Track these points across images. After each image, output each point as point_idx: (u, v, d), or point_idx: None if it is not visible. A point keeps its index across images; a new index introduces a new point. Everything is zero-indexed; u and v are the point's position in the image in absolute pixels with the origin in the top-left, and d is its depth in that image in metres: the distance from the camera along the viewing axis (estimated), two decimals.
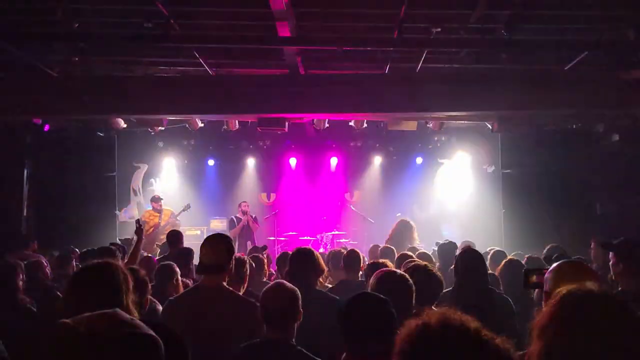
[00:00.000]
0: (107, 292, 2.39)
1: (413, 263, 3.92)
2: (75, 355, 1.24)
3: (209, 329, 3.24)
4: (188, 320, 3.27)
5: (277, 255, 6.62)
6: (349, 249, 5.54)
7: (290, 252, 4.44)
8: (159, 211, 11.12)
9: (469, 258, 4.13)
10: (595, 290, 1.68)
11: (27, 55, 7.74)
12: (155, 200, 11.36)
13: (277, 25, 6.65)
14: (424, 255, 5.80)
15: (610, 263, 3.83)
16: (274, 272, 6.49)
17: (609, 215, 9.70)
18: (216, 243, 3.55)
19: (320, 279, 4.48)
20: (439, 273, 3.70)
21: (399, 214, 11.36)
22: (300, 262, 4.02)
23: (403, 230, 7.87)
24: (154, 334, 1.33)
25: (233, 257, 3.57)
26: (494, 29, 7.04)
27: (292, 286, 3.11)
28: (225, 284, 3.49)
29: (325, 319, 2.92)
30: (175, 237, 6.99)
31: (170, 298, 3.71)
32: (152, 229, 10.65)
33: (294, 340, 2.98)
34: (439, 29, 7.03)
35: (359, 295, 2.65)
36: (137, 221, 6.36)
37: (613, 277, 3.77)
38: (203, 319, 3.30)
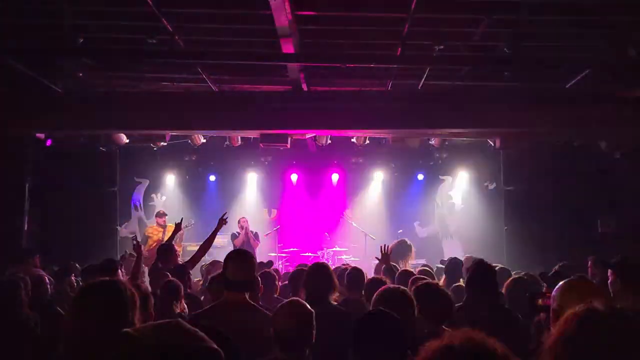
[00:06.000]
0: (115, 309, 2.35)
1: (424, 281, 3.88)
2: None
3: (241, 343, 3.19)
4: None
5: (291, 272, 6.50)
6: (351, 267, 5.48)
7: (308, 267, 4.43)
8: (163, 227, 11.10)
9: (482, 272, 4.05)
10: (602, 308, 1.65)
11: (30, 70, 7.76)
12: (160, 215, 11.38)
13: (280, 42, 6.68)
14: (425, 272, 5.75)
15: (609, 281, 3.85)
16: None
17: (610, 233, 9.66)
18: (243, 260, 3.59)
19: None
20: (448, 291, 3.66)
21: (401, 230, 11.34)
22: (318, 277, 4.01)
23: (400, 249, 7.80)
24: (217, 347, 1.32)
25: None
26: (496, 47, 7.06)
27: (309, 307, 3.01)
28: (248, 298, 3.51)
29: (339, 334, 2.88)
30: (166, 251, 6.43)
31: (194, 313, 3.70)
32: (154, 244, 10.60)
33: None
34: (442, 47, 7.06)
35: (369, 315, 2.61)
36: (134, 238, 6.31)
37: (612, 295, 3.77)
38: (233, 333, 3.24)
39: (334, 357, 3.01)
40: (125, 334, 1.27)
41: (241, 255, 3.67)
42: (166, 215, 11.34)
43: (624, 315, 1.66)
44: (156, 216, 11.46)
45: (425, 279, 4.43)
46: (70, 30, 6.67)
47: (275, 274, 5.82)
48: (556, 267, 5.81)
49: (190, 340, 1.28)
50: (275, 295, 5.28)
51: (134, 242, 6.15)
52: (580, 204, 9.88)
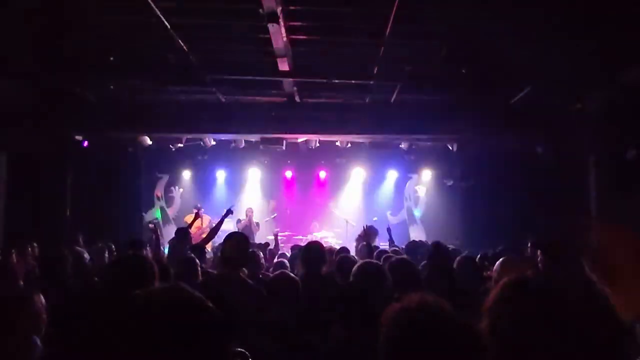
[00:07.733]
0: (138, 278, 2.45)
1: (397, 257, 4.01)
2: (146, 324, 1.13)
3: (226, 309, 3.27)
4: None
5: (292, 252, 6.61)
6: (340, 247, 5.56)
7: (304, 245, 4.50)
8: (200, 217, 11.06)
9: (439, 251, 4.19)
10: (527, 277, 1.72)
11: (67, 82, 7.73)
12: (197, 208, 11.38)
13: (277, 61, 6.71)
14: (395, 252, 5.84)
15: (538, 258, 4.03)
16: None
17: (543, 222, 9.73)
18: (238, 241, 3.63)
19: None
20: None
21: (376, 218, 11.40)
22: (313, 253, 4.10)
23: (368, 234, 7.93)
24: (218, 312, 1.21)
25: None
26: (456, 67, 7.12)
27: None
28: (241, 274, 3.60)
29: (327, 299, 2.98)
30: (184, 233, 6.64)
31: (197, 281, 3.76)
32: (197, 229, 10.54)
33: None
34: (410, 67, 7.14)
35: (356, 291, 2.74)
36: (150, 222, 6.36)
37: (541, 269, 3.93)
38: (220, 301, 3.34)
39: (323, 317, 3.09)
40: (136, 294, 1.20)
41: (236, 237, 3.69)
42: (201, 208, 11.24)
43: (545, 280, 1.73)
44: (194, 208, 11.48)
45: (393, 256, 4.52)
46: (101, 50, 6.67)
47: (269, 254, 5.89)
48: (498, 248, 5.95)
49: (195, 300, 1.19)
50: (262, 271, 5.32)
51: (150, 225, 6.19)
52: (520, 198, 9.94)
